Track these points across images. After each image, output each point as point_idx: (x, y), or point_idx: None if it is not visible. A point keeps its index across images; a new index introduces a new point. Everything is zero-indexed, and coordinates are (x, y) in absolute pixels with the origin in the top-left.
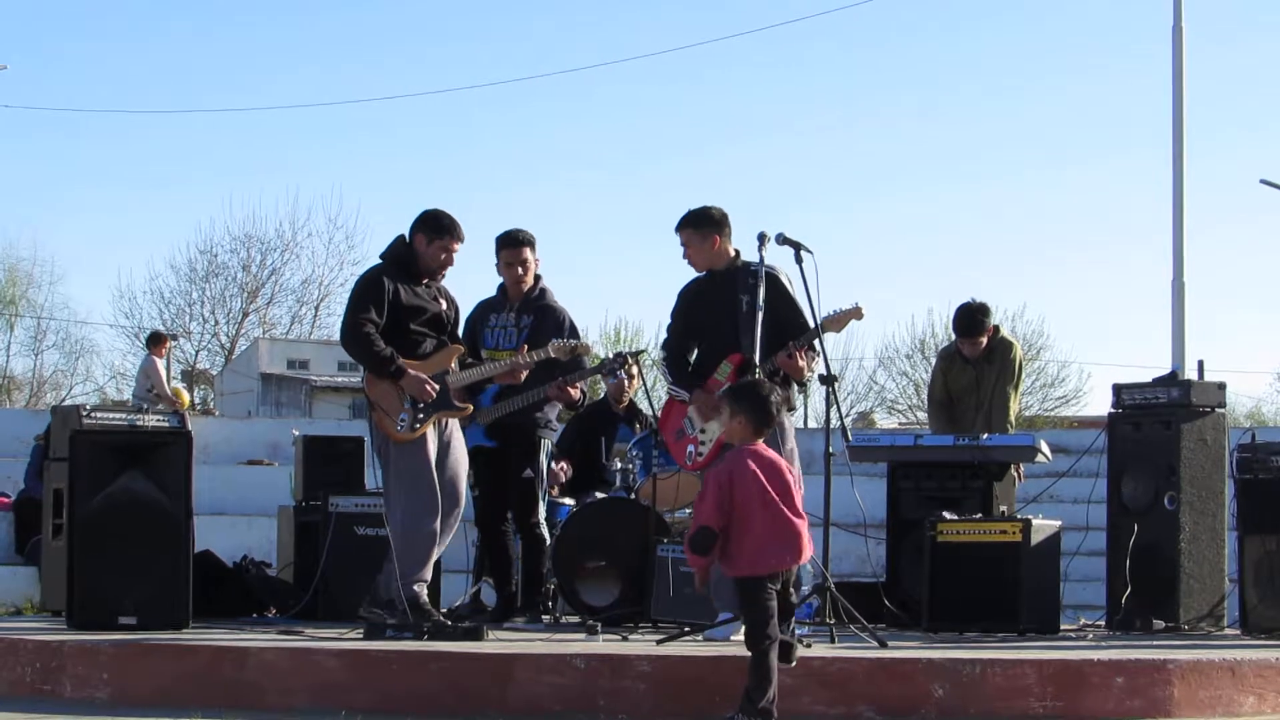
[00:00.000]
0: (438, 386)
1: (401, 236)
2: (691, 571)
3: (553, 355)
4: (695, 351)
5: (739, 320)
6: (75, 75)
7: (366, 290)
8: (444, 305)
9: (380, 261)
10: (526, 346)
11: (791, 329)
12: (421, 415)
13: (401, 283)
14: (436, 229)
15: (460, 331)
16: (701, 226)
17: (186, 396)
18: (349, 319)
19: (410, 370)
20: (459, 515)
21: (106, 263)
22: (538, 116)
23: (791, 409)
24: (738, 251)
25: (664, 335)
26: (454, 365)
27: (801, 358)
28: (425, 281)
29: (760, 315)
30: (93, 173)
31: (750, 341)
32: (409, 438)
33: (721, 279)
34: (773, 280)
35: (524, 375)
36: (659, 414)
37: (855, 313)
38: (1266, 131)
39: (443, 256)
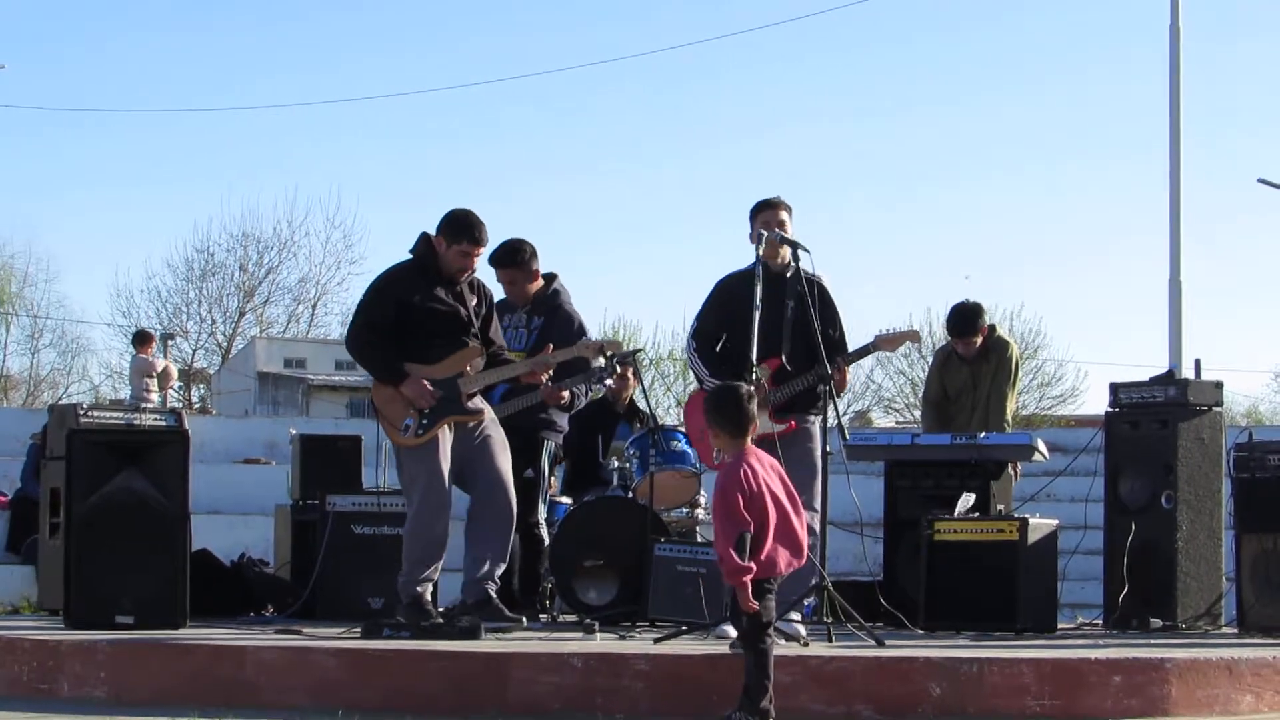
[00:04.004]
0: (438, 393)
1: (427, 234)
2: (690, 571)
3: (578, 354)
4: (723, 344)
5: (782, 325)
6: (75, 75)
7: (374, 296)
8: (473, 302)
9: (409, 257)
10: (551, 346)
11: (830, 342)
12: (426, 421)
13: (422, 282)
14: (455, 232)
15: (493, 327)
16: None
17: (174, 369)
18: (353, 325)
19: (411, 376)
20: (506, 512)
21: (104, 261)
22: (537, 116)
23: (819, 413)
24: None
25: (694, 324)
26: (470, 369)
27: (847, 372)
28: (452, 280)
29: (758, 316)
30: (91, 172)
31: (791, 349)
32: (413, 443)
33: (773, 276)
34: (822, 288)
35: (544, 376)
36: (671, 412)
37: (912, 335)
38: (1264, 130)
39: (462, 260)
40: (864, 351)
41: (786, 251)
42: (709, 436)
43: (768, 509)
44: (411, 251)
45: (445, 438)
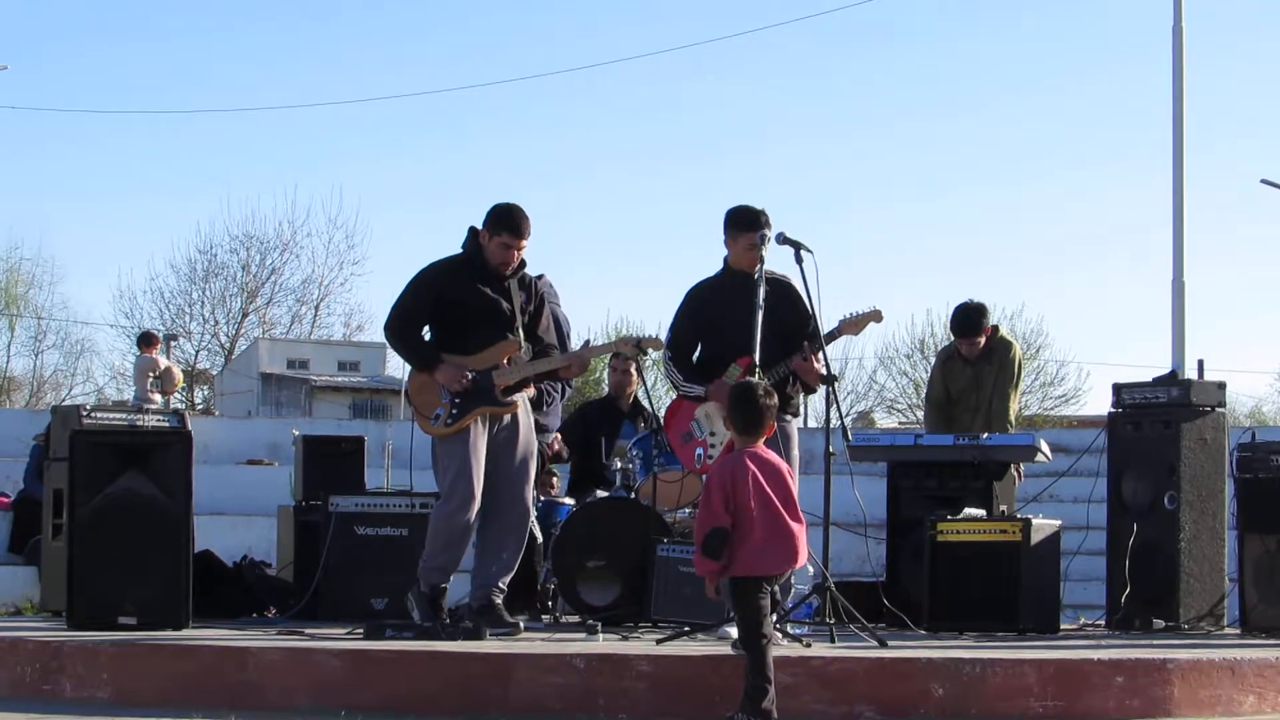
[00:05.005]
0: (469, 375)
1: (475, 228)
2: (691, 572)
3: (615, 350)
4: (698, 352)
5: (752, 323)
6: (75, 75)
7: (413, 287)
8: (520, 299)
9: (460, 251)
10: (589, 340)
11: (803, 336)
12: (455, 411)
13: (465, 276)
14: (496, 224)
15: (542, 324)
16: None
17: (179, 373)
18: (390, 315)
19: (444, 361)
20: (520, 522)
21: (106, 263)
22: (540, 116)
23: (795, 413)
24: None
25: (669, 334)
26: (506, 362)
27: (817, 361)
28: (498, 275)
29: (760, 317)
30: (93, 173)
31: (762, 346)
32: (443, 432)
33: (742, 280)
34: (787, 287)
35: (578, 370)
36: (663, 414)
37: (874, 315)
38: (1266, 131)
39: (503, 253)
40: (830, 337)
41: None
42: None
43: (751, 509)
44: (463, 247)
45: (479, 431)
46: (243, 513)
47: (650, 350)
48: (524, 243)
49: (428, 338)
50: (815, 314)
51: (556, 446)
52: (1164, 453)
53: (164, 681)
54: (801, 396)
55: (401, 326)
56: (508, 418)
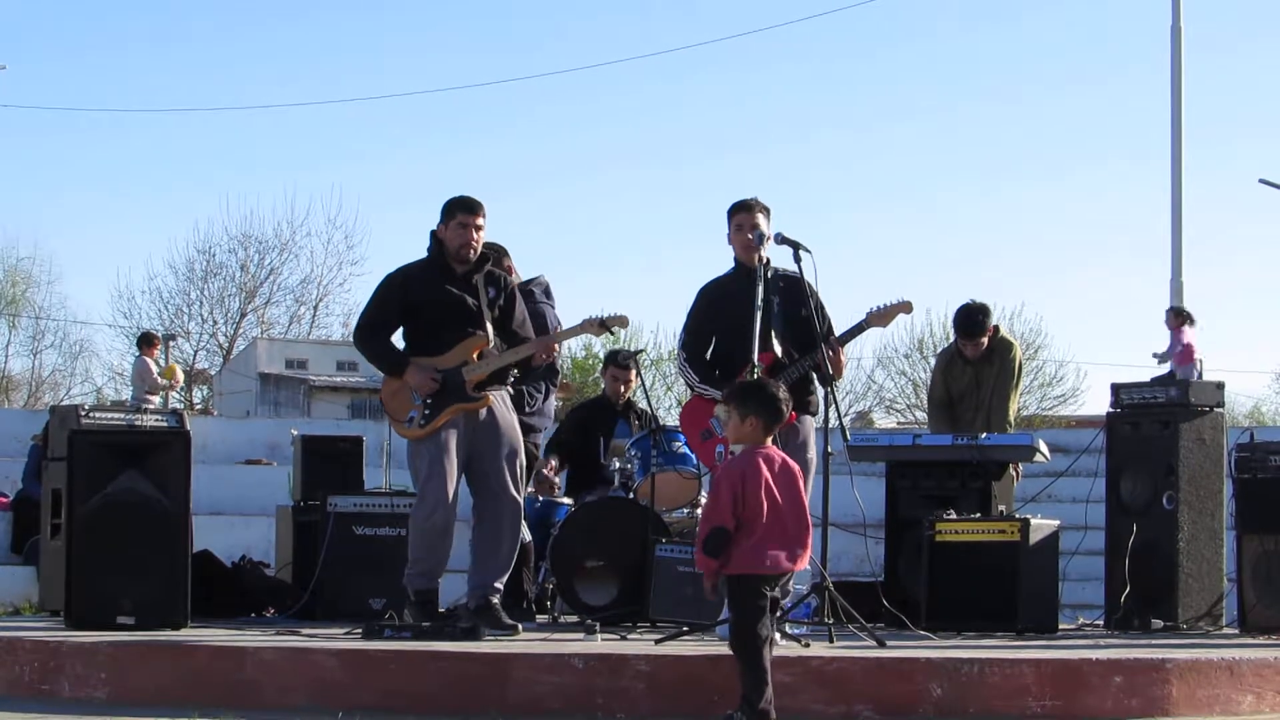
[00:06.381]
0: (437, 378)
1: (434, 230)
2: (690, 571)
3: (584, 333)
4: (711, 349)
5: (769, 321)
6: (75, 75)
7: (376, 293)
8: (489, 295)
9: (425, 255)
10: (558, 326)
11: (818, 332)
12: (429, 411)
13: (429, 277)
14: (448, 211)
15: (516, 318)
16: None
17: (179, 371)
18: (358, 321)
19: (412, 364)
20: (511, 519)
21: (105, 263)
22: (539, 116)
23: (813, 412)
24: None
25: (681, 334)
26: (475, 357)
27: (842, 354)
28: (464, 272)
29: (759, 315)
30: (92, 173)
31: (783, 342)
32: (417, 434)
33: (750, 277)
34: (800, 283)
35: (547, 356)
36: (672, 412)
37: (903, 307)
38: (1265, 131)
39: (462, 234)
40: (856, 330)
41: (763, 250)
42: (730, 425)
43: (759, 509)
44: (427, 252)
45: (453, 431)
46: (241, 512)
47: (615, 328)
48: (479, 219)
49: (401, 342)
50: (816, 314)
51: (556, 476)
52: (1162, 453)
53: (162, 681)
54: (819, 393)
55: (369, 334)
56: (483, 413)
